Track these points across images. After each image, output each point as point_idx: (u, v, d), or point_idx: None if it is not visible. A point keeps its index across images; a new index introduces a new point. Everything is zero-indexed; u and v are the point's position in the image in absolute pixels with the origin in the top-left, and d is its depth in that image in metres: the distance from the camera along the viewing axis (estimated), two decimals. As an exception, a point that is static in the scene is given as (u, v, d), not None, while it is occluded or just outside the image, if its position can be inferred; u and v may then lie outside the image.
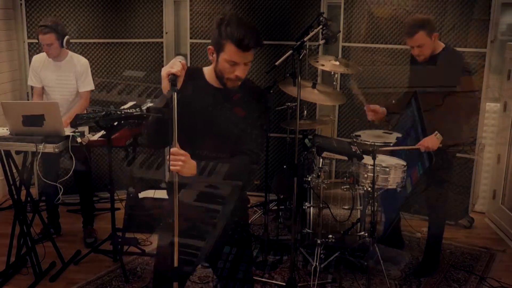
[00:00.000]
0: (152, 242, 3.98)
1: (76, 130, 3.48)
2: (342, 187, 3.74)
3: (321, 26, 3.61)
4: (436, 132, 3.31)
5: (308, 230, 3.64)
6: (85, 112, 3.93)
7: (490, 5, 4.15)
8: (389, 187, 3.41)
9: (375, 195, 3.36)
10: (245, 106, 2.24)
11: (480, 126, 4.40)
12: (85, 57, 4.13)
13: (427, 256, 3.70)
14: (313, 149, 3.66)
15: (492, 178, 4.65)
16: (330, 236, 3.54)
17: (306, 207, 3.66)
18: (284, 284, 3.34)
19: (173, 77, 2.00)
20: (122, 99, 4.69)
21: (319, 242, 3.49)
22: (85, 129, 3.64)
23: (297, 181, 3.07)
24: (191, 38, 4.92)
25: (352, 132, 4.23)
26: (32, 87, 4.13)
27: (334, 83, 4.20)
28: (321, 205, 3.53)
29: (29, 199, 3.62)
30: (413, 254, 3.90)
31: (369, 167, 3.34)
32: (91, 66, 4.12)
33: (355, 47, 4.69)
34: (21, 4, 4.61)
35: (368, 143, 3.60)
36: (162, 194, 3.36)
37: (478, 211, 4.71)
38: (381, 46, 4.59)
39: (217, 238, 2.25)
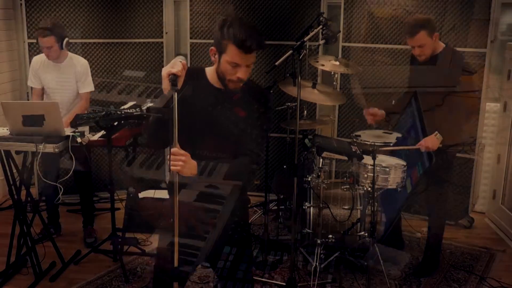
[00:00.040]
0: (152, 242, 3.98)
1: (76, 130, 3.48)
2: (342, 187, 3.74)
3: (321, 26, 3.61)
4: (436, 132, 3.31)
5: (308, 230, 3.64)
6: (85, 112, 3.93)
7: (490, 5, 4.15)
8: (389, 187, 3.41)
9: (375, 195, 3.36)
10: (246, 106, 2.24)
11: (480, 126, 4.40)
12: (85, 57, 4.13)
13: (427, 256, 3.70)
14: (313, 149, 3.66)
15: (492, 178, 4.65)
16: (330, 236, 3.54)
17: (306, 207, 3.66)
18: (284, 284, 3.34)
19: (173, 77, 2.00)
20: (122, 99, 4.69)
21: (319, 242, 3.50)
22: (85, 129, 3.64)
23: (297, 181, 3.07)
24: (191, 38, 4.92)
25: (352, 132, 4.23)
26: (31, 88, 4.13)
27: (334, 83, 4.20)
28: (321, 205, 3.53)
29: (29, 199, 3.62)
30: (413, 254, 3.90)
31: (369, 167, 3.34)
32: (91, 66, 4.13)
33: (355, 47, 4.69)
34: (21, 4, 4.61)
35: (368, 143, 3.60)
36: (162, 194, 3.36)
37: (478, 211, 4.71)
38: (381, 46, 4.59)
39: (217, 238, 2.25)
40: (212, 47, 2.21)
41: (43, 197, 4.02)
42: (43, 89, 4.05)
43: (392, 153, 3.59)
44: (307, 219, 3.65)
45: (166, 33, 5.03)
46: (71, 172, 3.48)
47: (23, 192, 3.59)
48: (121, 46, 4.89)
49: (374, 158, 3.21)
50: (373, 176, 3.25)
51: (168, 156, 2.03)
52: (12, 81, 5.04)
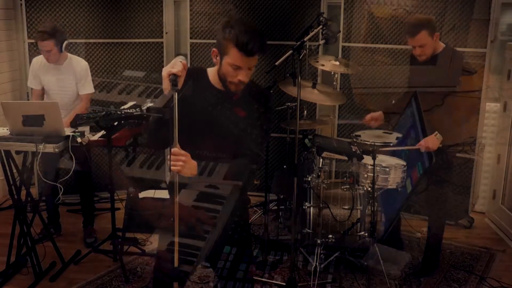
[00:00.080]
0: (152, 242, 3.98)
1: (76, 130, 3.48)
2: (342, 187, 3.74)
3: (321, 26, 3.61)
4: (436, 132, 3.31)
5: (308, 230, 3.63)
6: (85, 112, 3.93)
7: (490, 5, 4.15)
8: (389, 187, 3.41)
9: (375, 195, 3.36)
10: (246, 106, 2.24)
11: (480, 126, 4.40)
12: (85, 57, 4.13)
13: (427, 256, 3.70)
14: (313, 149, 3.66)
15: (492, 178, 4.65)
16: (330, 236, 3.54)
17: (306, 207, 3.65)
18: (284, 284, 3.34)
19: (174, 77, 1.99)
20: (122, 99, 4.69)
21: (319, 242, 3.50)
22: (86, 129, 3.64)
23: (297, 181, 3.07)
24: (191, 38, 4.92)
25: (352, 132, 4.23)
26: (31, 89, 4.13)
27: (334, 83, 4.20)
28: (321, 205, 3.53)
29: (29, 199, 3.62)
30: (413, 254, 3.90)
31: (369, 167, 3.34)
32: (91, 66, 4.13)
33: (355, 47, 4.69)
34: (21, 4, 4.61)
35: (368, 143, 3.61)
36: (162, 194, 3.36)
37: (478, 211, 4.71)
38: (381, 46, 4.59)
39: (217, 238, 2.25)
40: (214, 49, 2.20)
41: (43, 197, 4.02)
42: (43, 89, 4.05)
43: (392, 153, 3.59)
44: (307, 219, 3.65)
45: (166, 33, 5.03)
46: (71, 172, 3.48)
47: (23, 192, 3.59)
48: (121, 46, 4.89)
49: (374, 158, 3.21)
50: (373, 176, 3.25)
51: (168, 156, 2.03)
52: (12, 81, 5.04)
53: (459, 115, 3.47)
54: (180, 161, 2.03)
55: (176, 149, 2.01)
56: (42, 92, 4.07)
